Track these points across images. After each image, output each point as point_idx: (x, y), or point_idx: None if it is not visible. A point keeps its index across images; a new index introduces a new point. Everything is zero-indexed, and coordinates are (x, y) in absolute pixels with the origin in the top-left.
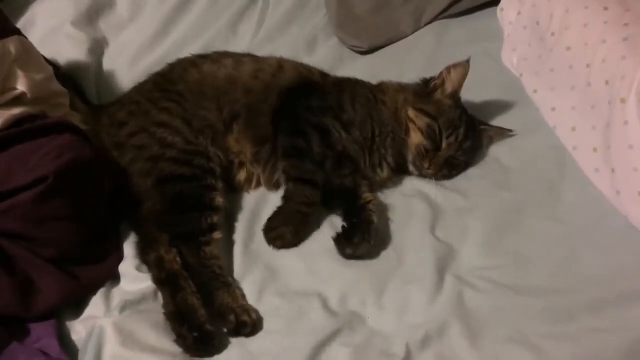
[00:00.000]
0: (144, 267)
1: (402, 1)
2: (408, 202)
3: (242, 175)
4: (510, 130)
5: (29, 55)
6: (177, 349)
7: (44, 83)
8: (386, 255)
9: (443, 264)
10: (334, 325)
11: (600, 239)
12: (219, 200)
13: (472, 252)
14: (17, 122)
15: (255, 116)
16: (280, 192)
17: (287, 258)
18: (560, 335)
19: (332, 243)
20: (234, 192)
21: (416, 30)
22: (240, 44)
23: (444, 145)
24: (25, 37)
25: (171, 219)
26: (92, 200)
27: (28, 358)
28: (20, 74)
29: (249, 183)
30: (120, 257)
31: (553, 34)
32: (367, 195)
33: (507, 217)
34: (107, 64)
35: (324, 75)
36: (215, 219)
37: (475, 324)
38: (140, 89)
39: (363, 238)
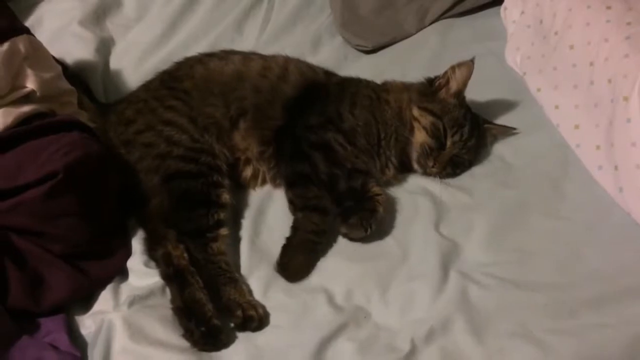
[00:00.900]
0: (152, 263)
1: (406, 1)
2: (412, 199)
3: (248, 172)
4: (514, 128)
5: (38, 54)
6: (184, 343)
7: (52, 81)
8: (391, 250)
9: (447, 260)
10: (339, 320)
11: (603, 236)
12: (225, 196)
13: (476, 249)
14: (27, 119)
15: (263, 118)
16: None
17: None
18: (564, 330)
19: (337, 239)
20: (240, 189)
21: (420, 30)
22: (245, 44)
23: (449, 143)
24: (34, 36)
25: (178, 216)
26: (100, 196)
27: (38, 352)
28: (29, 72)
29: (254, 180)
30: (128, 253)
31: (556, 33)
32: (376, 189)
33: (510, 214)
34: (114, 62)
35: (328, 74)
36: (222, 215)
37: (479, 319)
38: (147, 87)
39: (360, 222)
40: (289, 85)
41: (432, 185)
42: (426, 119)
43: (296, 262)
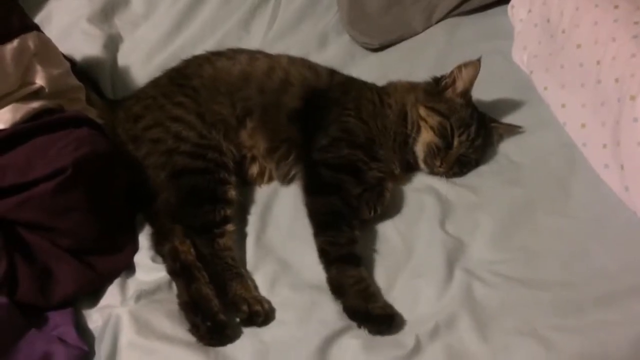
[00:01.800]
0: (159, 258)
1: None
2: (418, 197)
3: (254, 170)
4: (520, 127)
5: (47, 51)
6: (191, 338)
7: (61, 78)
8: (396, 248)
9: (452, 258)
10: (345, 317)
11: (608, 234)
12: (232, 193)
13: (482, 247)
14: (36, 115)
15: (269, 120)
16: (292, 188)
17: (299, 251)
18: (569, 327)
19: None
20: (247, 185)
21: (427, 28)
22: (252, 41)
23: (456, 143)
24: (43, 33)
25: (185, 211)
26: (108, 192)
27: (46, 345)
28: (38, 68)
29: (261, 177)
30: (135, 248)
31: (563, 32)
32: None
33: (516, 213)
34: (122, 59)
35: (331, 74)
36: (228, 211)
37: (484, 316)
38: (155, 83)
39: (366, 204)
40: (290, 96)
41: (438, 183)
42: (433, 119)
43: (370, 313)
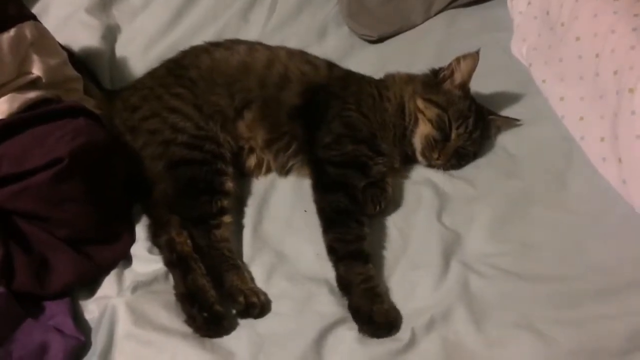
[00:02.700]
0: (156, 249)
1: None
2: (416, 189)
3: (252, 161)
4: (518, 120)
5: (44, 40)
6: (187, 329)
7: (58, 68)
8: (393, 240)
9: (449, 250)
10: (341, 309)
11: (606, 227)
12: (229, 184)
13: (479, 239)
14: (33, 105)
15: (270, 112)
16: (290, 179)
17: (296, 243)
18: (565, 321)
19: None
20: (244, 177)
21: (426, 20)
22: (251, 32)
23: (453, 135)
24: (40, 23)
25: (182, 202)
26: (105, 182)
27: (43, 334)
28: (35, 58)
29: (258, 169)
30: (132, 239)
31: (563, 24)
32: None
33: (513, 205)
34: (120, 50)
35: (330, 67)
36: (225, 202)
37: (480, 309)
38: (153, 74)
39: (371, 199)
40: (289, 93)
41: (436, 175)
42: (431, 111)
43: (372, 316)
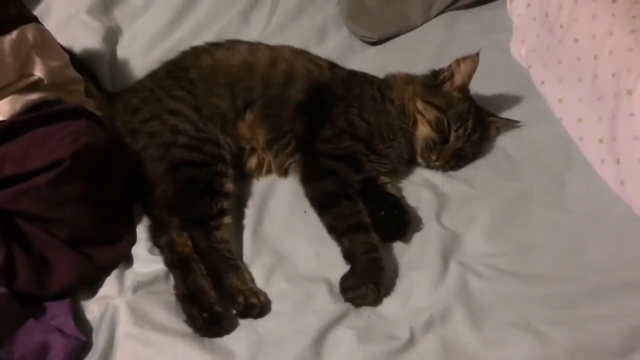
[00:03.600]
0: (156, 250)
1: None
2: (415, 190)
3: (252, 162)
4: (517, 122)
5: (45, 42)
6: (187, 329)
7: (59, 70)
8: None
9: (448, 251)
10: (340, 308)
11: (604, 228)
12: (229, 185)
13: (477, 240)
14: (34, 107)
15: (272, 111)
16: (290, 180)
17: (295, 243)
18: (563, 321)
19: None
20: (244, 178)
21: (426, 22)
22: (251, 33)
23: (452, 137)
24: (42, 25)
25: (182, 204)
26: (106, 183)
27: (44, 335)
28: (37, 60)
29: (259, 170)
30: (133, 240)
31: (561, 26)
32: (383, 178)
33: (512, 206)
34: (121, 52)
35: (333, 68)
36: (225, 204)
37: (479, 309)
38: (153, 76)
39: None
40: (295, 89)
41: (435, 176)
42: (430, 113)
43: (365, 288)
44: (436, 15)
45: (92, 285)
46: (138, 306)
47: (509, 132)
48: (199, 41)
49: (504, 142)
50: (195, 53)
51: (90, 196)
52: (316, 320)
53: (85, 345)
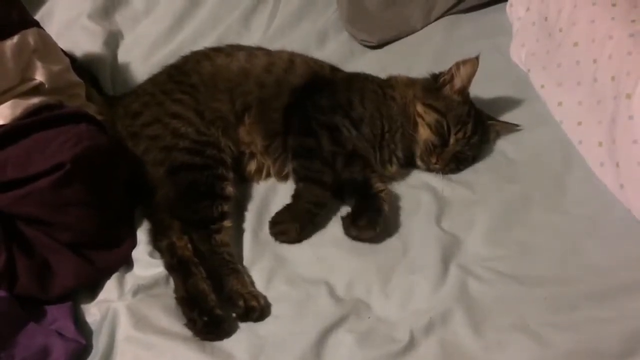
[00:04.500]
0: (156, 253)
1: None
2: (415, 193)
3: (252, 166)
4: (517, 125)
5: (46, 47)
6: (187, 332)
7: (61, 74)
8: (392, 244)
9: (448, 254)
10: (340, 311)
11: (603, 232)
12: (230, 189)
13: (477, 243)
14: (36, 111)
15: (267, 111)
16: (290, 184)
17: (295, 246)
18: (562, 323)
19: (339, 232)
20: (244, 182)
21: (426, 25)
22: (252, 38)
23: (452, 140)
24: (43, 29)
25: (183, 207)
26: (107, 187)
27: (44, 338)
28: (38, 64)
29: (259, 173)
30: (133, 243)
31: (561, 30)
32: (379, 185)
33: (512, 209)
34: (122, 56)
35: (334, 69)
36: (226, 207)
37: (479, 312)
38: (154, 80)
39: (369, 223)
40: (295, 75)
41: (434, 180)
42: (430, 116)
43: (290, 225)
44: (436, 19)
45: (92, 289)
46: (138, 309)
47: (508, 136)
48: (199, 46)
49: (504, 145)
50: (196, 58)
51: (91, 199)
52: (316, 323)
53: (86, 349)
